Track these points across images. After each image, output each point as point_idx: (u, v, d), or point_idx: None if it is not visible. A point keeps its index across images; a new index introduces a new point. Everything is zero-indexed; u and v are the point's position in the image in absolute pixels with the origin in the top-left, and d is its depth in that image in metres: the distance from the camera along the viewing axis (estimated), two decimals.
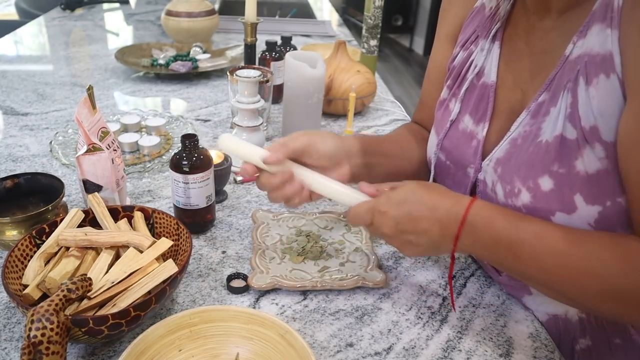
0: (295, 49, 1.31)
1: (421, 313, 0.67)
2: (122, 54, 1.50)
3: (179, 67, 1.44)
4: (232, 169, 0.97)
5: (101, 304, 0.58)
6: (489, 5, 0.71)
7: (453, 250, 0.59)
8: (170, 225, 0.70)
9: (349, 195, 0.64)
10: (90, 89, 0.73)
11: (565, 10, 0.60)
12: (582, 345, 0.67)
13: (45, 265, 0.63)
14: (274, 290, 0.69)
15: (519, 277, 0.59)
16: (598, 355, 0.66)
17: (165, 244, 0.65)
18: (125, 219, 0.72)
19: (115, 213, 0.72)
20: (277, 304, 0.67)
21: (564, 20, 0.60)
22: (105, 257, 0.64)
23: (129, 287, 0.60)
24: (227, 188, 0.91)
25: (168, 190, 0.91)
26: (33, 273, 0.61)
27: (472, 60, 0.71)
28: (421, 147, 0.82)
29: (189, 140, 0.74)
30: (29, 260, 0.64)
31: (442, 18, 0.81)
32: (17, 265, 0.62)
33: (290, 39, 1.31)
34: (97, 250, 0.66)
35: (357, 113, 1.27)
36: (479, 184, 0.68)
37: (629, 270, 0.51)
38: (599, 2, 0.55)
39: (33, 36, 1.88)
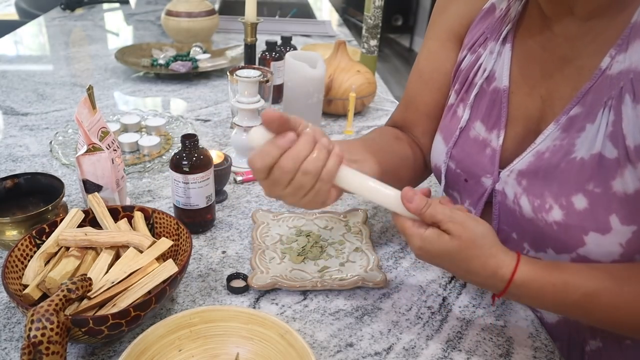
0: (295, 49, 1.31)
1: (421, 313, 0.67)
2: (122, 54, 1.50)
3: (179, 67, 1.44)
4: (232, 169, 0.97)
5: (101, 304, 0.58)
6: (500, 6, 0.68)
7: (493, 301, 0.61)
8: (170, 225, 0.70)
9: (391, 197, 0.57)
10: (90, 89, 0.73)
11: (590, 17, 0.57)
12: (592, 346, 0.67)
13: (45, 265, 0.63)
14: (274, 290, 0.69)
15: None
16: (608, 356, 0.66)
17: (165, 244, 0.65)
18: (125, 219, 0.72)
19: (115, 213, 0.72)
20: (277, 304, 0.67)
21: (591, 28, 0.57)
22: (105, 257, 0.64)
23: (129, 287, 0.60)
24: (227, 188, 0.91)
25: (168, 190, 0.91)
26: (33, 273, 0.61)
27: (481, 64, 0.68)
28: (411, 147, 0.79)
29: (189, 140, 0.74)
30: (29, 260, 0.64)
31: (438, 15, 0.77)
32: (17, 265, 0.62)
33: (290, 39, 1.31)
34: (97, 250, 0.66)
35: (357, 113, 1.27)
36: (496, 194, 0.65)
37: None
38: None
39: (33, 36, 1.88)
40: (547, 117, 0.62)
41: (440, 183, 0.75)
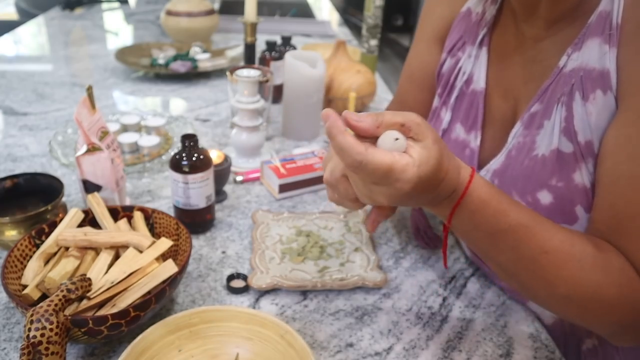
0: (295, 48, 1.31)
1: (421, 313, 0.67)
2: (122, 53, 1.50)
3: (179, 67, 1.43)
4: (232, 169, 0.96)
5: (101, 304, 0.58)
6: (475, 10, 0.70)
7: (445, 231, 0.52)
8: (170, 225, 0.70)
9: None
10: (89, 89, 0.73)
11: (556, 21, 0.59)
12: (588, 345, 0.67)
13: (45, 265, 0.63)
14: (273, 290, 0.69)
15: (483, 257, 0.54)
16: (604, 354, 0.66)
17: (165, 244, 0.65)
18: (125, 219, 0.71)
19: (115, 213, 0.71)
20: (277, 304, 0.67)
21: (557, 31, 0.59)
22: (105, 257, 0.64)
23: (129, 287, 0.60)
24: (227, 188, 0.91)
25: (168, 190, 0.91)
26: (32, 273, 0.61)
27: (460, 67, 0.70)
28: None
29: (189, 140, 0.74)
30: (28, 261, 0.63)
31: (426, 17, 0.79)
32: (16, 266, 0.62)
33: (290, 38, 1.31)
34: (96, 250, 0.66)
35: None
36: None
37: (606, 281, 0.49)
38: (595, 16, 0.54)
39: (32, 36, 1.88)
40: (518, 116, 0.63)
41: None
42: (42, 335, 0.49)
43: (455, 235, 0.57)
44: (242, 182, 0.94)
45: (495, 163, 0.63)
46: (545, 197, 0.57)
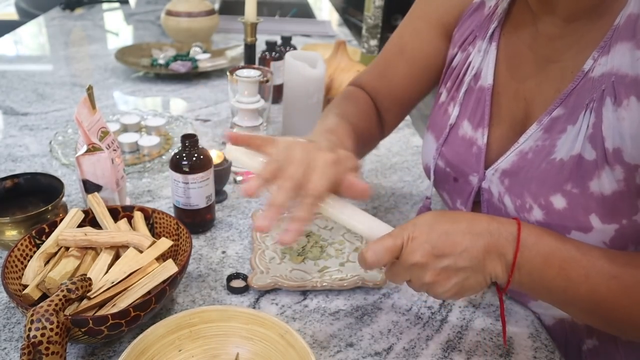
0: (295, 48, 1.31)
1: (421, 313, 0.67)
2: (122, 54, 1.50)
3: (179, 67, 1.43)
4: (232, 169, 0.97)
5: (101, 304, 0.58)
6: (489, 3, 0.68)
7: (513, 264, 0.53)
8: (170, 225, 0.70)
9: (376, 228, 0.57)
10: (89, 89, 0.73)
11: (574, 19, 0.57)
12: (589, 345, 0.67)
13: (45, 265, 0.63)
14: (274, 290, 0.69)
15: (562, 303, 0.56)
16: (605, 353, 0.66)
17: (165, 244, 0.65)
18: (125, 219, 0.71)
19: (115, 213, 0.71)
20: (277, 304, 0.67)
21: (573, 30, 0.57)
22: (105, 257, 0.64)
23: (129, 287, 0.60)
24: (227, 188, 0.91)
25: (168, 190, 0.91)
26: (33, 273, 0.61)
27: (470, 62, 0.69)
28: (374, 116, 0.80)
29: (189, 140, 0.74)
30: (28, 261, 0.64)
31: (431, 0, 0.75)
32: (16, 266, 0.62)
33: (290, 39, 1.31)
34: (96, 250, 0.66)
35: None
36: (483, 192, 0.66)
37: None
38: (623, 18, 0.52)
39: (33, 36, 1.88)
40: (531, 117, 0.62)
41: (429, 179, 0.75)
42: (43, 335, 0.49)
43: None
44: (242, 182, 0.94)
45: (505, 162, 0.62)
46: (559, 202, 0.56)
